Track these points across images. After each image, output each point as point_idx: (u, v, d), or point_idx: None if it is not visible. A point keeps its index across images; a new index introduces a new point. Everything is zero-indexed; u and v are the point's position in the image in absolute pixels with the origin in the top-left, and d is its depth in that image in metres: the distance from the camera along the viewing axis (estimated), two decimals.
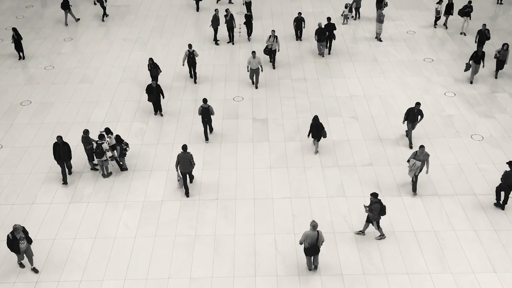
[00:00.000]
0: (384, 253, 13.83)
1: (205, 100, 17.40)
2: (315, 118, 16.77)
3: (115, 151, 16.50)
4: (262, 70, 20.47)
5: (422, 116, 17.16)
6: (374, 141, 18.03)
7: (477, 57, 20.58)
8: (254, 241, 14.27)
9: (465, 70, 20.86)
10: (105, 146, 15.95)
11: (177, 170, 15.43)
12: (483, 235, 14.30)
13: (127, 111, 19.89)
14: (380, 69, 22.48)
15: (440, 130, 18.52)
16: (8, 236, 12.82)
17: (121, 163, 16.74)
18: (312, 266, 13.28)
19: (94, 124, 19.10)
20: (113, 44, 24.89)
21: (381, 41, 24.71)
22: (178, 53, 23.89)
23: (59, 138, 15.68)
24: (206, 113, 17.47)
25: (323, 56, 23.33)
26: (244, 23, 24.55)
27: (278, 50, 22.11)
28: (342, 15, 26.78)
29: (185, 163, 15.24)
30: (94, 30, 26.24)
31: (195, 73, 21.21)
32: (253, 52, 19.98)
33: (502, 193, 15.60)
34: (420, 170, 15.17)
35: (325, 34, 22.78)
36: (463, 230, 14.49)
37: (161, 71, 20.64)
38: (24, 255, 13.31)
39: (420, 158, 15.05)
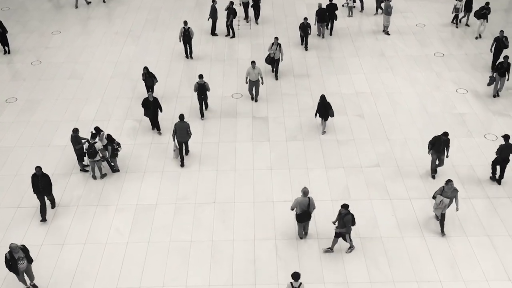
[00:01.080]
0: (392, 259, 13.81)
1: (201, 76, 18.54)
2: (322, 97, 17.64)
3: (106, 151, 16.46)
4: (262, 83, 19.61)
5: (448, 149, 15.74)
6: (381, 141, 18.01)
7: (502, 69, 19.46)
8: (254, 246, 14.24)
9: (489, 84, 19.78)
10: (98, 145, 15.93)
11: (174, 140, 16.77)
12: (497, 241, 14.28)
13: (119, 108, 19.86)
14: (388, 64, 22.46)
15: (452, 129, 18.50)
16: (5, 255, 12.50)
17: (112, 164, 16.72)
18: (303, 233, 14.25)
19: (84, 123, 19.07)
20: (104, 37, 24.87)
21: (388, 34, 24.69)
22: (173, 48, 23.87)
23: (38, 169, 14.58)
24: (202, 89, 18.62)
25: (323, 37, 23.82)
26: (252, 6, 25.14)
27: (282, 60, 21.14)
28: (344, 5, 26.75)
29: (182, 132, 16.53)
30: (84, 22, 26.21)
31: (190, 49, 22.30)
32: (253, 62, 19.02)
33: (498, 168, 16.39)
34: (447, 207, 14.11)
35: (326, 15, 22.94)
36: (476, 235, 14.47)
37: (157, 81, 19.74)
38: (25, 274, 12.97)
39: (448, 194, 13.96)
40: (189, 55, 22.69)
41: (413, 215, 15.14)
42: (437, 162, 16.18)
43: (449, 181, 13.79)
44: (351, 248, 13.94)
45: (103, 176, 16.58)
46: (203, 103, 19.19)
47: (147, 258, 13.98)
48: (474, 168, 16.74)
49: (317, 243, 14.25)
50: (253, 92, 19.74)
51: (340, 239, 14.09)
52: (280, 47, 20.68)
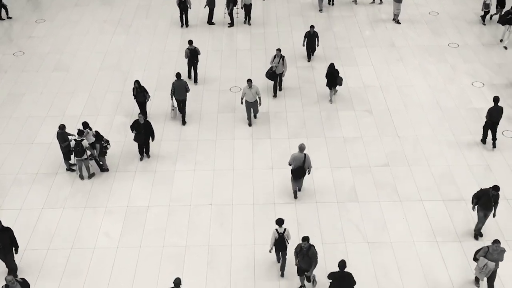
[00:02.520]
0: (403, 267, 13.82)
1: (190, 42, 19.93)
2: (331, 65, 18.85)
3: (94, 149, 16.47)
4: (260, 104, 18.16)
5: (496, 205, 14.06)
6: (391, 138, 18.02)
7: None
8: (254, 252, 14.26)
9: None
10: (86, 143, 15.93)
11: (172, 99, 18.30)
12: None
13: (108, 103, 19.85)
14: (398, 55, 22.45)
15: (467, 125, 18.50)
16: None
17: (101, 162, 16.73)
18: (297, 189, 15.51)
19: (70, 118, 19.06)
20: (92, 26, 24.84)
21: (399, 23, 24.67)
22: (166, 37, 23.84)
23: None
24: (193, 55, 20.02)
25: (321, 11, 25.10)
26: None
27: (284, 75, 19.77)
28: None
29: (180, 90, 18.06)
30: (70, 10, 26.18)
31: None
32: (249, 81, 17.71)
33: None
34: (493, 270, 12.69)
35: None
36: (493, 240, 14.45)
37: (150, 97, 18.65)
38: None
39: (494, 256, 12.50)
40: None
41: (425, 218, 15.15)
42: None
43: (496, 242, 12.34)
44: None
45: (91, 176, 16.59)
46: (192, 67, 20.42)
47: (138, 265, 13.99)
48: (491, 167, 16.75)
49: (321, 248, 14.27)
50: (251, 114, 18.49)
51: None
52: (283, 60, 19.35)
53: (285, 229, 13.08)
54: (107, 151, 17.04)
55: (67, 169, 16.87)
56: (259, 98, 18.02)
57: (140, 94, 18.14)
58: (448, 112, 19.18)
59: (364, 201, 15.70)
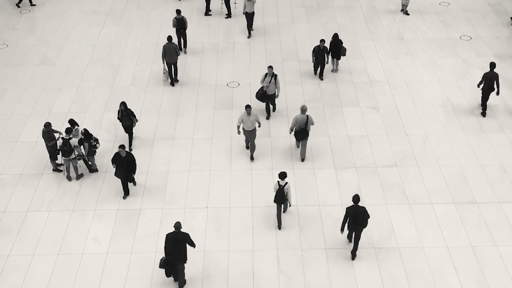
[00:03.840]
0: (412, 273, 13.83)
1: (178, 12, 21.08)
2: (335, 35, 19.95)
3: (82, 148, 16.47)
4: (259, 126, 16.87)
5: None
6: (399, 137, 18.03)
7: None
8: (252, 258, 14.26)
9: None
10: (74, 141, 15.92)
11: (163, 62, 19.81)
12: None
13: (97, 99, 19.85)
14: (407, 48, 22.45)
15: (480, 123, 18.51)
16: None
17: (90, 163, 16.72)
18: (300, 155, 17.01)
19: (57, 115, 19.06)
20: (80, 17, 24.83)
21: (408, 14, 24.68)
22: (160, 29, 23.83)
23: None
24: (181, 24, 21.41)
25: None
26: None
27: (277, 96, 18.43)
28: None
29: (171, 53, 19.53)
30: (57, 0, 26.17)
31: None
32: (248, 107, 16.32)
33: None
34: None
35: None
36: (507, 245, 14.49)
37: (137, 121, 17.30)
38: None
39: None
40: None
41: (435, 222, 15.16)
42: None
43: None
44: None
45: (79, 176, 16.59)
46: (181, 38, 21.83)
47: (129, 272, 13.98)
48: (505, 168, 16.76)
49: (325, 254, 14.27)
50: (250, 145, 17.27)
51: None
52: (276, 79, 18.05)
53: (286, 183, 14.41)
54: (97, 150, 17.02)
55: (53, 170, 16.87)
56: (258, 123, 16.77)
57: (126, 118, 16.95)
58: (460, 109, 19.18)
59: (370, 204, 15.70)
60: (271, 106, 19.10)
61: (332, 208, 15.56)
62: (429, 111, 19.12)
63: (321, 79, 20.51)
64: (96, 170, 16.84)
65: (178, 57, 20.26)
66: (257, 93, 18.35)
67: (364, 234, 14.79)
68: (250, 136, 16.77)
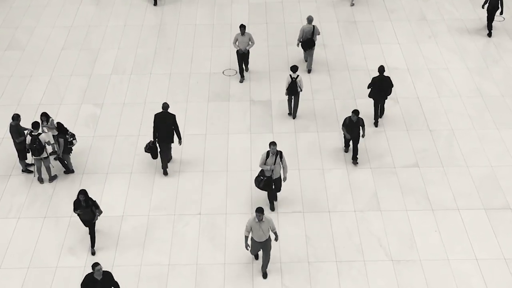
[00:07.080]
0: None
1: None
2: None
3: (56, 145, 16.48)
4: (277, 238, 13.96)
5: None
6: (421, 133, 18.05)
7: None
8: (252, 272, 14.29)
9: None
10: (44, 137, 15.90)
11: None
12: None
13: (73, 89, 19.87)
14: (431, 31, 22.46)
15: None
16: None
17: (65, 162, 16.73)
18: (306, 66, 20.38)
19: (27, 107, 19.08)
20: None
21: None
22: (145, 9, 23.83)
23: None
24: None
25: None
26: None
27: (285, 179, 15.56)
28: None
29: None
30: None
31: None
32: (259, 211, 13.21)
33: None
34: None
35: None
36: None
37: (100, 213, 14.28)
38: None
39: None
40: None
41: (463, 230, 15.18)
42: None
43: None
44: None
45: (52, 178, 16.60)
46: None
47: None
48: None
49: (335, 267, 14.30)
50: (262, 258, 14.14)
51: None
52: (281, 157, 15.25)
53: (298, 75, 17.52)
54: (73, 147, 17.01)
55: (23, 171, 16.88)
56: (275, 234, 13.88)
57: (87, 210, 14.04)
58: (492, 100, 19.21)
59: (387, 210, 15.73)
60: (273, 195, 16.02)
61: (344, 214, 15.59)
62: (455, 103, 19.15)
63: (355, 163, 17.03)
64: (72, 171, 16.87)
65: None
66: (257, 180, 15.34)
67: (380, 244, 14.80)
68: (263, 248, 13.81)
